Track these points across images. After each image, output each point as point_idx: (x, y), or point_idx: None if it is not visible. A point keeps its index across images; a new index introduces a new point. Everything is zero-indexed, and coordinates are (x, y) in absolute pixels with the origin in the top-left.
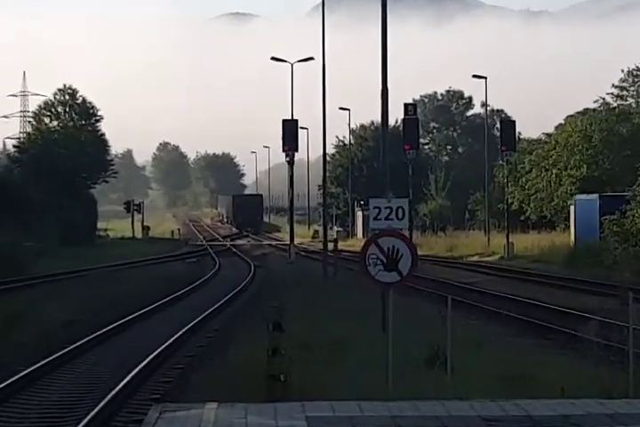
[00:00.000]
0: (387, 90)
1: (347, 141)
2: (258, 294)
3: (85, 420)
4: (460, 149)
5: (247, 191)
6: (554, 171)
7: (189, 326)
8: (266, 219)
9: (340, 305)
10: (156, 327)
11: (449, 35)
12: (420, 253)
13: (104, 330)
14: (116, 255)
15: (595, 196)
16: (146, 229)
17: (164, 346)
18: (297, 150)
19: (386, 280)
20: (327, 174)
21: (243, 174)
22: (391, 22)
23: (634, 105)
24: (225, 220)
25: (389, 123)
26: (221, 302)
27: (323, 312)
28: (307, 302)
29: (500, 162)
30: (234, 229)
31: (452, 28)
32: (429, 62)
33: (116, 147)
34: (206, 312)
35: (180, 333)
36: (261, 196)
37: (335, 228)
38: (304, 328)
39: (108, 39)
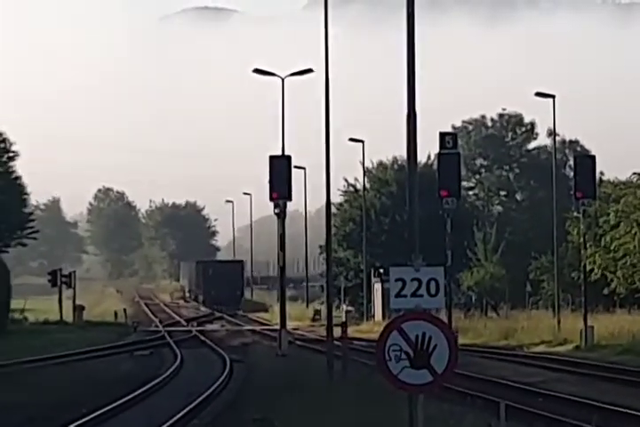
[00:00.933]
0: (414, 113)
1: (360, 186)
2: (235, 403)
3: None
4: (518, 196)
5: (221, 256)
6: None
7: None
8: (247, 294)
9: (352, 417)
10: None
11: (506, 37)
12: (462, 341)
13: None
14: (36, 347)
15: None
16: (78, 309)
17: None
18: (290, 199)
19: (413, 382)
20: (333, 232)
21: (214, 232)
22: (423, 19)
23: None
24: (189, 295)
25: (419, 160)
26: (182, 412)
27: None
28: (304, 412)
29: (575, 213)
30: (202, 309)
31: (511, 29)
32: (477, 76)
33: (38, 195)
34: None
35: None
36: (241, 262)
37: (344, 306)
38: None
39: (24, 51)
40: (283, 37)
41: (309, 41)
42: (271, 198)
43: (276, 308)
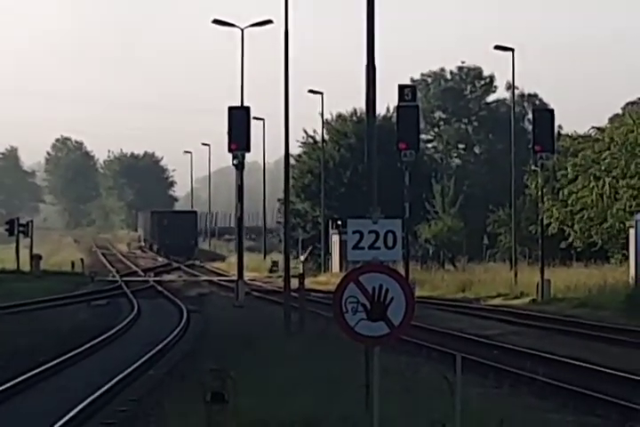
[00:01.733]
0: (374, 66)
1: (319, 138)
2: (192, 353)
3: None
4: (476, 149)
5: (179, 206)
6: (607, 180)
7: (96, 394)
8: (205, 245)
9: (308, 368)
10: (42, 402)
11: None
12: (420, 293)
13: None
14: None
15: None
16: (36, 258)
17: None
18: (249, 150)
19: (370, 333)
20: (291, 183)
21: (172, 183)
22: None
23: None
24: (145, 245)
25: (378, 112)
26: (138, 362)
27: (283, 378)
28: (260, 363)
29: (533, 167)
30: (159, 260)
31: None
32: (434, 27)
33: None
34: (118, 377)
35: (82, 405)
36: (195, 213)
37: (302, 257)
38: (256, 401)
39: None
40: None
41: None
42: (230, 149)
43: (233, 258)
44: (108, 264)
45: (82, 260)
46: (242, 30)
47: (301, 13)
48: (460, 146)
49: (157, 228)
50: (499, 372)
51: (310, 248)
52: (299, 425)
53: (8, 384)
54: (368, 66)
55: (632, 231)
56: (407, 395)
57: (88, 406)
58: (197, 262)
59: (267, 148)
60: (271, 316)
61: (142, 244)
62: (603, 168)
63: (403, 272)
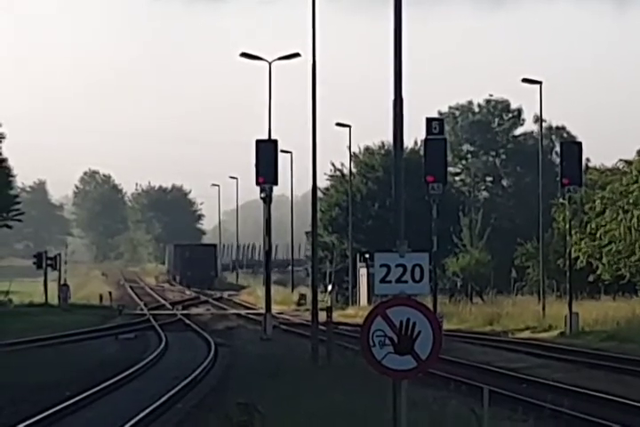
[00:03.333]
0: (401, 99)
1: (346, 171)
2: (220, 386)
3: None
4: (504, 182)
5: (206, 240)
6: (635, 213)
7: None
8: (232, 278)
9: (336, 401)
10: None
11: (493, 20)
12: (447, 327)
13: None
14: (19, 329)
15: None
16: (64, 291)
17: None
18: (276, 183)
19: (397, 367)
20: (318, 216)
21: (200, 216)
22: (413, 3)
23: None
24: (169, 276)
25: (406, 145)
26: (167, 396)
27: (311, 411)
28: (288, 396)
29: (561, 200)
30: (187, 293)
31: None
32: (465, 62)
33: (24, 177)
34: (146, 410)
35: None
36: (215, 246)
37: (329, 291)
38: None
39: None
40: (272, 21)
41: (297, 25)
42: (257, 183)
43: (256, 290)
44: (135, 297)
45: (110, 293)
46: (269, 63)
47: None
48: (488, 179)
49: (180, 260)
50: (527, 405)
51: (333, 282)
52: None
53: (34, 419)
54: (395, 99)
55: None
56: None
57: None
58: (224, 295)
59: (294, 181)
60: (299, 349)
61: (172, 278)
62: (631, 201)
63: (431, 305)
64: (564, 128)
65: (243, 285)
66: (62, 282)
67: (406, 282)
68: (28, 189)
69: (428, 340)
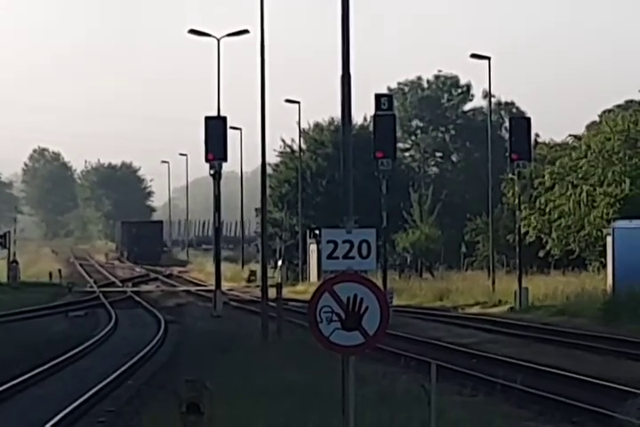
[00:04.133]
0: (349, 75)
1: (296, 147)
2: (169, 363)
3: None
4: (453, 158)
5: (157, 216)
6: (584, 188)
7: (74, 405)
8: (183, 255)
9: (285, 378)
10: (19, 413)
11: None
12: (397, 302)
13: None
14: None
15: None
16: (13, 269)
17: None
18: (226, 159)
19: (345, 343)
20: (268, 193)
21: (150, 193)
22: None
23: None
24: (118, 252)
25: (355, 121)
26: (116, 373)
27: (260, 388)
28: (237, 373)
29: (511, 175)
30: (137, 270)
31: None
32: (411, 36)
33: None
34: (96, 388)
35: (60, 416)
36: (161, 222)
37: (279, 267)
38: (232, 411)
39: None
40: None
41: (246, 1)
42: (207, 159)
43: (207, 266)
44: (85, 275)
45: (59, 271)
46: (218, 40)
47: (277, 23)
48: (438, 154)
49: (127, 236)
50: (476, 380)
51: (283, 258)
52: None
53: None
54: (343, 75)
55: (609, 239)
56: (385, 404)
57: (66, 417)
58: (165, 270)
59: (244, 157)
60: (249, 325)
61: (122, 254)
62: (580, 176)
63: (381, 281)
64: (513, 104)
65: (188, 261)
66: (12, 260)
67: (353, 258)
68: None
69: (375, 316)
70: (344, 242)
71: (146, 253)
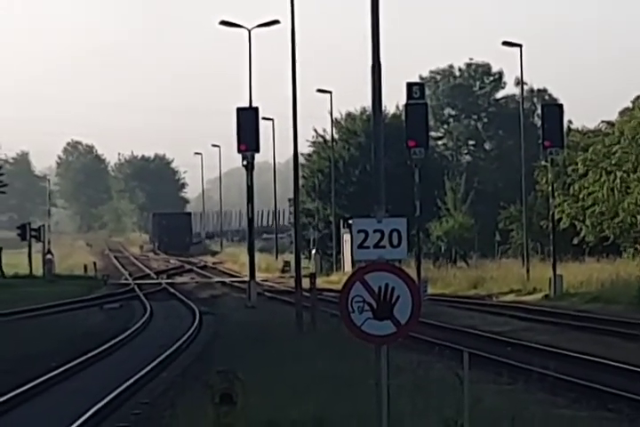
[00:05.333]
0: (379, 64)
1: (328, 137)
2: (204, 355)
3: None
4: (486, 146)
5: (190, 208)
6: (618, 174)
7: (110, 396)
8: (217, 246)
9: (319, 367)
10: (56, 406)
11: None
12: (432, 291)
13: None
14: (4, 300)
15: None
16: (49, 262)
17: None
18: (258, 150)
19: (376, 333)
20: (301, 183)
21: (184, 184)
22: None
23: None
24: (151, 244)
25: (388, 110)
26: (151, 365)
27: (294, 378)
28: (271, 363)
29: (544, 162)
30: (171, 262)
31: None
32: (442, 24)
33: (7, 149)
34: (131, 380)
35: (97, 407)
36: (190, 214)
37: (314, 257)
38: (266, 401)
39: None
40: None
41: None
42: (239, 150)
43: (241, 257)
44: (120, 267)
45: (94, 263)
46: (249, 31)
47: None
48: (470, 142)
49: (157, 227)
50: (511, 368)
51: (316, 248)
52: (309, 425)
53: (20, 389)
54: (374, 64)
55: None
56: (419, 393)
57: (102, 409)
58: (200, 262)
59: (276, 148)
60: (283, 316)
61: (156, 246)
62: (613, 162)
63: (415, 270)
64: (545, 91)
65: (216, 250)
66: (46, 253)
67: (384, 247)
68: (11, 160)
69: (407, 305)
70: (375, 231)
71: (175, 244)
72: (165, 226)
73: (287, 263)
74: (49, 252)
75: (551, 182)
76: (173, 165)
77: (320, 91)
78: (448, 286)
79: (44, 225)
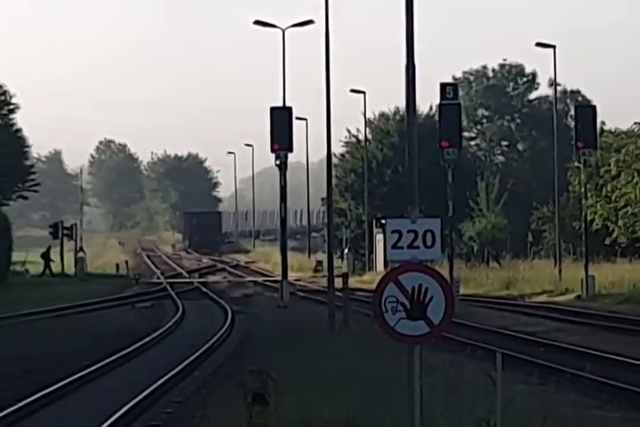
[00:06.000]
0: (413, 64)
1: (361, 137)
2: (236, 354)
3: None
4: (519, 147)
5: (223, 207)
6: None
7: (142, 396)
8: (249, 245)
9: (352, 367)
10: (87, 404)
11: None
12: (464, 291)
13: None
14: (36, 299)
15: None
16: (81, 261)
17: None
18: (291, 150)
19: (410, 333)
20: (334, 182)
21: (216, 184)
22: None
23: None
24: (183, 242)
25: (421, 110)
26: (184, 364)
27: (327, 378)
28: (304, 363)
29: (577, 163)
30: (204, 261)
31: None
32: (476, 25)
33: (39, 147)
34: (163, 378)
35: (127, 407)
36: (219, 213)
37: (347, 257)
38: (299, 401)
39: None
40: None
41: None
42: (272, 150)
43: (273, 256)
44: (152, 266)
45: (126, 262)
46: (283, 31)
47: (342, 13)
48: (504, 143)
49: (188, 226)
50: (543, 369)
51: (349, 248)
52: (342, 425)
53: (52, 388)
54: (408, 65)
55: None
56: (452, 393)
57: (133, 408)
58: (232, 261)
59: (310, 147)
60: (316, 316)
61: (188, 245)
62: None
63: (447, 270)
64: (578, 92)
65: (250, 249)
66: (79, 251)
67: (418, 248)
68: (44, 159)
69: (440, 305)
70: (408, 232)
71: (205, 242)
72: (196, 225)
73: (320, 263)
74: (81, 249)
75: (584, 183)
76: (206, 164)
77: (354, 91)
78: (480, 287)
79: (76, 224)
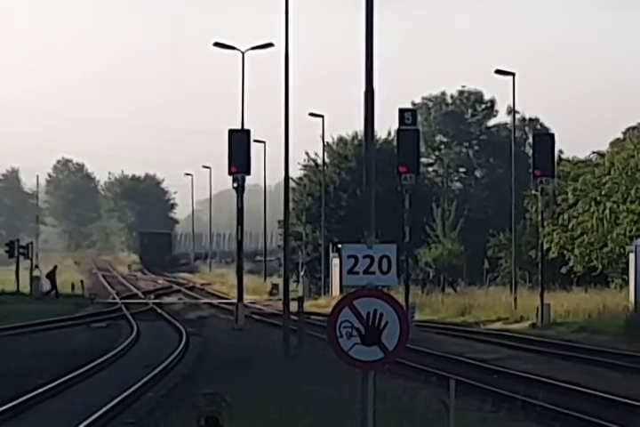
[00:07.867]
0: (372, 91)
1: (320, 161)
2: (190, 376)
3: None
4: (477, 173)
5: (180, 229)
6: (608, 204)
7: (95, 416)
8: (205, 267)
9: (306, 391)
10: (41, 425)
11: (467, 11)
12: (420, 317)
13: None
14: None
15: None
16: (36, 280)
17: None
18: (249, 173)
19: (364, 358)
20: (291, 206)
21: (173, 205)
22: None
23: None
24: (139, 260)
25: (379, 135)
26: (137, 385)
27: (280, 402)
28: (258, 386)
29: (534, 191)
30: (159, 282)
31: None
32: (435, 51)
33: None
34: (116, 399)
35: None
36: (169, 234)
37: (302, 280)
38: (252, 424)
39: None
40: (243, 11)
41: (271, 15)
42: (230, 172)
43: (229, 279)
44: (108, 286)
45: (82, 282)
46: (242, 53)
47: (302, 37)
48: (461, 170)
49: (140, 245)
50: (497, 396)
51: (305, 271)
52: None
53: (5, 407)
54: (366, 91)
55: (632, 256)
56: (405, 419)
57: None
58: (183, 281)
59: (268, 170)
60: (270, 339)
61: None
62: (603, 193)
63: (403, 296)
64: (537, 120)
65: (196, 266)
66: (34, 271)
67: (374, 273)
68: (1, 177)
69: (395, 331)
70: (364, 257)
71: (155, 261)
72: (147, 244)
73: (275, 286)
74: (37, 267)
75: (541, 211)
76: (164, 185)
77: (312, 115)
78: (436, 313)
79: (32, 242)
